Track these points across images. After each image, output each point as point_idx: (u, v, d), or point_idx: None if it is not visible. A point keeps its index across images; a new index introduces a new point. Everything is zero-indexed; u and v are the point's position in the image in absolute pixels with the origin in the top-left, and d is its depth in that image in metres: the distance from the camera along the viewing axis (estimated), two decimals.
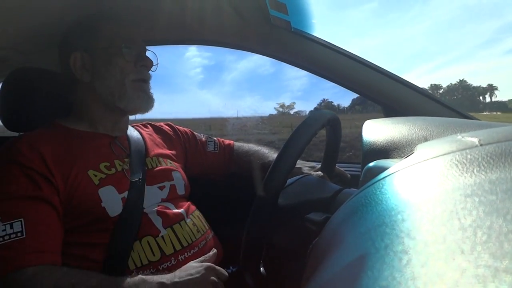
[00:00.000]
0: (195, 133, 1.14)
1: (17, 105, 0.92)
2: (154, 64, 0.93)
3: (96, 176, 0.77)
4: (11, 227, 0.64)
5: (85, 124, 0.87)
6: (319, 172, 0.88)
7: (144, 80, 0.89)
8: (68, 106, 0.90)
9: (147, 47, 0.94)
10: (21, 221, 0.65)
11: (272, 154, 1.07)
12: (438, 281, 0.13)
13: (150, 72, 0.92)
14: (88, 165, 0.78)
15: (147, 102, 0.89)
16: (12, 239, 0.63)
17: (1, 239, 0.63)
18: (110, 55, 0.85)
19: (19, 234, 0.64)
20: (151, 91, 0.92)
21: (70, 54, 0.85)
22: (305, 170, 0.94)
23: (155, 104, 0.91)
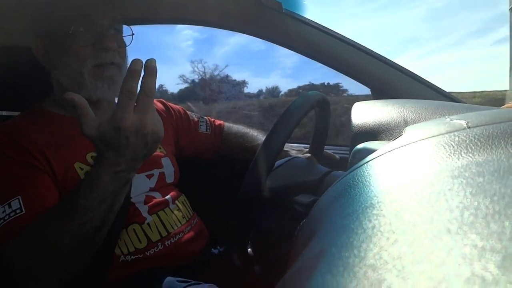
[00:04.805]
0: (187, 112, 1.09)
1: (3, 83, 0.90)
2: (124, 43, 0.81)
3: (82, 169, 0.73)
4: (10, 207, 0.62)
5: (65, 108, 0.79)
6: (308, 154, 0.88)
7: (109, 63, 0.76)
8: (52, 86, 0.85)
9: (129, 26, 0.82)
10: (18, 198, 0.63)
11: (261, 137, 1.06)
12: (424, 260, 0.13)
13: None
14: (75, 156, 0.73)
15: (112, 89, 0.75)
16: (11, 217, 0.61)
17: (1, 220, 0.61)
18: (63, 41, 0.74)
19: (18, 211, 0.62)
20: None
21: (33, 39, 0.77)
22: (293, 153, 0.93)
23: None
